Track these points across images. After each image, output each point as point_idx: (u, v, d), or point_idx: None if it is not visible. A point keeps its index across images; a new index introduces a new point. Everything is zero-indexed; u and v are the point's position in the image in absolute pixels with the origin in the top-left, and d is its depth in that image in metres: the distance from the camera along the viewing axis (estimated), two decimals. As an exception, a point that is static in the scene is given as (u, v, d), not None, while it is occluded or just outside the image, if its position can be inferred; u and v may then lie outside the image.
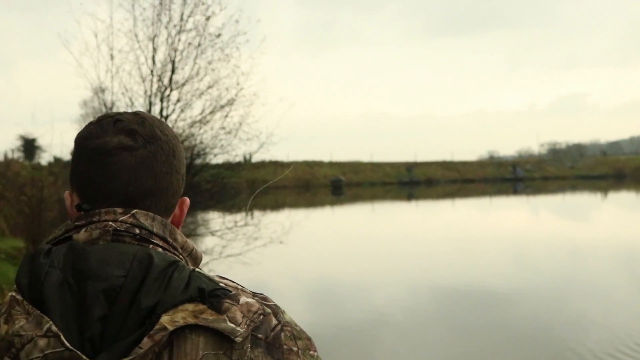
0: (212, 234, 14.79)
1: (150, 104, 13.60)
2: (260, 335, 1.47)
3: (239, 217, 15.89)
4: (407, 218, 53.05)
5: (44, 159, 70.34)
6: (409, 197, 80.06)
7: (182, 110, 13.78)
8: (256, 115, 16.51)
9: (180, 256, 1.60)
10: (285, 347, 1.50)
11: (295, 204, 62.36)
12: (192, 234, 15.15)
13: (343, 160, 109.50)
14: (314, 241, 32.70)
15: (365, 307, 18.86)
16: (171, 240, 1.59)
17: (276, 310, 1.56)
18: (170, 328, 1.36)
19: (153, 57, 13.70)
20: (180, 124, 13.91)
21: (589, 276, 22.35)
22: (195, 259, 1.67)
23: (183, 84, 13.62)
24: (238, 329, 1.42)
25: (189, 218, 16.31)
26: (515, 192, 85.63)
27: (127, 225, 1.53)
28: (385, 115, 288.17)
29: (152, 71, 13.63)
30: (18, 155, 79.41)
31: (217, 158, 14.56)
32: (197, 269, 1.54)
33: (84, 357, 1.32)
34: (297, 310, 18.07)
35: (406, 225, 46.63)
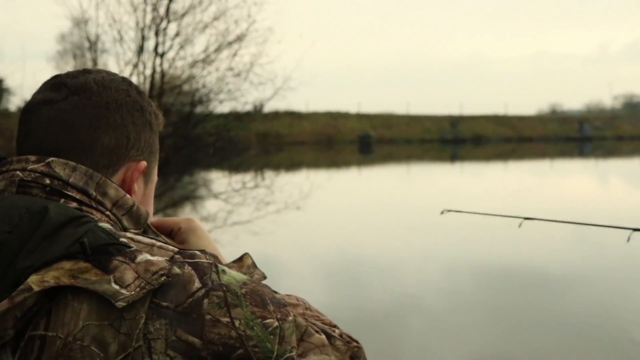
0: (216, 196, 14.70)
1: (143, 38, 13.45)
2: (165, 303, 1.38)
3: (248, 177, 15.82)
4: (449, 184, 52.70)
5: (13, 103, 70.60)
6: (453, 158, 79.51)
7: (181, 47, 13.65)
8: (271, 54, 16.31)
9: (108, 212, 1.58)
10: (207, 317, 1.39)
11: (315, 164, 62.30)
12: (190, 196, 15.13)
13: (373, 112, 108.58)
14: (336, 208, 32.65)
15: (392, 288, 18.92)
16: (95, 194, 1.57)
17: (205, 270, 1.45)
18: (36, 289, 1.33)
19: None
20: (179, 63, 13.79)
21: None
22: (137, 217, 1.66)
23: (183, 15, 13.48)
24: (123, 291, 1.34)
25: (187, 178, 16.26)
26: (581, 154, 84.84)
27: (37, 174, 1.53)
28: (425, 58, 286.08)
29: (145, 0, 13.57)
30: (-18, 99, 79.94)
31: (222, 106, 14.41)
32: (107, 225, 1.49)
33: None
34: (314, 289, 18.25)
35: (447, 193, 46.41)
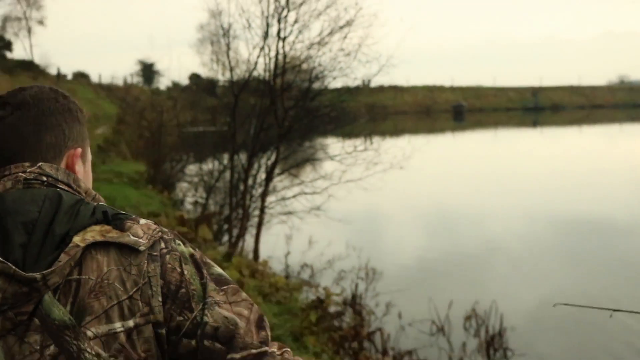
0: (331, 158, 14.72)
1: (268, 25, 13.53)
2: (155, 253, 1.77)
3: (358, 142, 15.82)
4: (531, 146, 52.26)
5: (162, 83, 71.73)
6: (534, 123, 78.79)
7: (299, 32, 13.69)
8: (376, 36, 16.43)
9: (86, 198, 1.89)
10: (169, 265, 1.77)
11: (415, 130, 61.98)
12: (310, 158, 15.13)
13: (465, 85, 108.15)
14: (433, 168, 32.57)
15: (480, 235, 19.06)
16: (75, 186, 1.91)
17: (168, 239, 1.84)
18: (82, 245, 1.67)
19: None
20: (298, 45, 13.84)
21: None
22: (98, 202, 1.94)
23: (301, 4, 13.51)
24: (140, 240, 1.75)
25: (307, 143, 16.26)
26: None
27: (35, 174, 1.84)
28: (509, 38, 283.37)
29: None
30: (137, 80, 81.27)
31: (335, 81, 14.42)
32: (101, 204, 1.87)
33: (10, 265, 1.58)
34: (413, 235, 18.20)
35: (529, 153, 45.96)
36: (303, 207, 14.64)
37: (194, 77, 67.72)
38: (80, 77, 71.37)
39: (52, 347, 1.65)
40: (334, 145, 16.28)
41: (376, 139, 16.44)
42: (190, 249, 1.86)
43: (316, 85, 14.34)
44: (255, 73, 14.22)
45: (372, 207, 20.73)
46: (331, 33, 13.51)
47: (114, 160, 26.28)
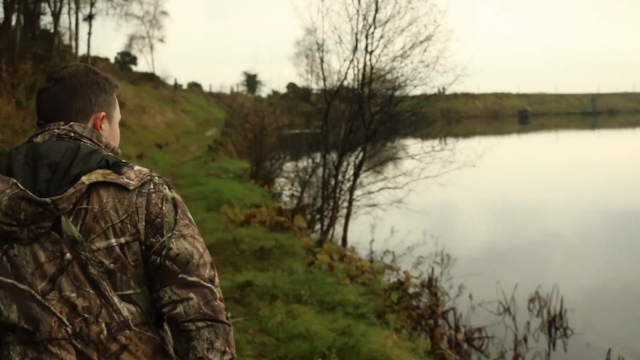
0: (412, 157, 14.64)
1: (357, 40, 13.52)
2: (143, 191, 2.21)
3: (435, 143, 15.78)
4: (589, 146, 51.68)
5: (264, 92, 72.30)
6: (592, 126, 77.66)
7: (385, 46, 13.66)
8: (452, 49, 16.35)
9: (103, 150, 2.33)
10: (152, 201, 2.20)
11: (484, 132, 61.47)
12: (393, 157, 15.04)
13: (529, 92, 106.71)
14: (501, 165, 32.18)
15: (542, 225, 19.01)
16: (96, 141, 2.35)
17: (157, 182, 2.27)
18: (87, 182, 2.12)
19: (359, -1, 13.59)
20: (383, 58, 13.81)
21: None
22: (116, 154, 2.42)
23: (385, 22, 13.49)
24: (131, 182, 2.19)
25: (389, 144, 16.20)
26: None
27: (66, 130, 2.30)
28: (568, 49, 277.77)
29: (357, 11, 13.55)
30: (242, 89, 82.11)
31: (415, 90, 14.36)
32: (110, 154, 2.31)
33: (30, 192, 2.10)
34: (482, 225, 18.01)
35: (587, 152, 45.35)
36: (386, 200, 14.59)
37: (291, 86, 67.97)
38: (194, 86, 72.48)
39: (68, 255, 2.17)
40: (413, 145, 16.28)
41: (450, 140, 16.40)
42: (174, 194, 2.31)
43: (398, 92, 14.30)
44: (345, 82, 14.27)
45: (447, 201, 20.62)
46: (412, 47, 13.46)
47: (222, 158, 26.54)
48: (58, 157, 2.20)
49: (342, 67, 13.86)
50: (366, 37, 13.35)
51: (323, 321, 7.82)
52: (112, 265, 2.18)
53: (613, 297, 12.54)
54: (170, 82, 63.98)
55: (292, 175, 22.79)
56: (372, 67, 13.61)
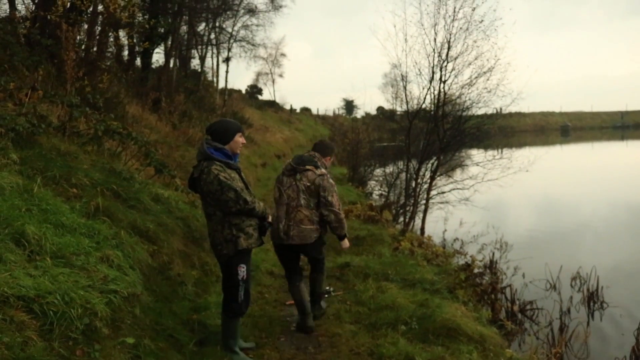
0: (477, 164, 14.24)
1: (433, 72, 13.37)
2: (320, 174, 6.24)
3: (495, 152, 15.44)
4: (619, 153, 50.49)
5: (359, 113, 72.55)
6: (622, 137, 75.60)
7: (455, 76, 13.45)
8: (509, 78, 16.08)
9: (319, 162, 6.33)
10: (318, 183, 6.24)
11: (533, 143, 59.87)
12: (461, 164, 14.68)
13: (569, 110, 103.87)
14: (549, 169, 31.29)
15: (575, 218, 18.64)
16: (316, 160, 6.30)
17: (324, 173, 6.30)
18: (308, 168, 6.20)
19: (434, 39, 13.45)
20: (454, 86, 13.64)
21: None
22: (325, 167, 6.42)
23: (456, 58, 13.26)
24: (317, 171, 6.18)
25: (458, 154, 15.84)
26: None
27: (310, 154, 6.35)
28: (602, 75, 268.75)
29: (433, 49, 13.38)
30: (342, 111, 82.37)
31: (479, 110, 14.02)
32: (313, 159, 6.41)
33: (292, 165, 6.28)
34: (530, 216, 17.59)
35: (617, 157, 44.17)
36: (455, 198, 14.24)
37: (380, 109, 68.20)
38: (305, 110, 73.18)
39: (296, 184, 6.27)
40: (477, 155, 15.94)
41: (506, 150, 16.03)
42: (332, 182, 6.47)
43: (466, 113, 13.95)
44: (423, 105, 14.03)
45: (506, 198, 20.15)
46: (477, 77, 13.17)
47: (327, 166, 26.59)
48: (300, 162, 6.26)
49: (421, 94, 13.72)
50: (440, 70, 13.18)
51: (406, 295, 7.63)
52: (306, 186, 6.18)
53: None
54: (287, 107, 64.83)
55: (380, 179, 22.75)
56: (445, 93, 13.40)
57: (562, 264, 11.45)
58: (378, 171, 24.85)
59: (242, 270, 5.34)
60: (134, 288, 5.33)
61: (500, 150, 15.80)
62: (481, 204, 14.03)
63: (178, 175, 10.43)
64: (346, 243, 6.75)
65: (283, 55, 67.22)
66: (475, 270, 9.64)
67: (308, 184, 6.26)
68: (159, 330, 5.54)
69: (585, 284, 10.98)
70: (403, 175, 18.13)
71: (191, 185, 5.46)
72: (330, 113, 79.41)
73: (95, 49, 12.57)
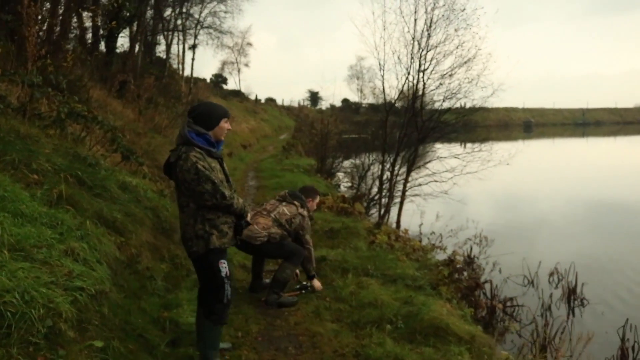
0: (456, 157, 13.85)
1: (412, 61, 12.87)
2: None
3: (467, 146, 15.30)
4: (578, 150, 51.69)
5: (323, 105, 72.33)
6: (582, 134, 77.86)
7: (435, 66, 12.94)
8: (491, 68, 15.55)
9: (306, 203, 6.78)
10: None
11: (497, 138, 60.25)
12: (439, 156, 14.27)
13: (532, 107, 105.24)
14: (515, 164, 31.41)
15: (534, 211, 18.93)
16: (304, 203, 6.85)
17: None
18: None
19: (414, 27, 12.91)
20: (434, 75, 13.08)
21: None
22: None
23: (436, 46, 12.78)
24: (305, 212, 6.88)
25: (437, 145, 15.48)
26: None
27: (299, 194, 6.88)
28: (564, 73, 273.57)
29: (413, 37, 12.86)
30: (307, 103, 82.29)
31: (459, 101, 13.60)
32: None
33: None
34: (500, 212, 17.54)
35: (577, 154, 44.98)
36: (432, 191, 13.80)
37: (345, 101, 68.07)
38: (270, 101, 72.96)
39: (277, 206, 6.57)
40: (442, 148, 15.60)
41: (470, 145, 15.69)
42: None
43: (446, 104, 13.56)
44: (401, 95, 13.54)
45: (477, 193, 19.95)
46: (458, 66, 12.74)
47: (294, 157, 26.23)
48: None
49: (399, 83, 13.19)
50: (419, 58, 12.71)
51: (387, 292, 7.26)
52: None
53: (619, 272, 11.77)
54: (252, 97, 64.49)
55: (348, 170, 22.46)
56: (424, 83, 12.96)
57: (537, 258, 11.34)
58: (346, 163, 24.60)
59: (224, 266, 4.76)
60: (102, 284, 4.84)
61: (463, 145, 15.50)
62: (457, 197, 13.69)
63: (145, 163, 9.90)
64: (317, 283, 7.33)
65: (249, 44, 66.58)
66: (457, 266, 9.30)
67: (288, 213, 6.93)
68: (128, 331, 5.06)
69: (562, 280, 10.79)
70: (374, 167, 17.83)
71: (166, 170, 4.85)
72: (295, 104, 79.10)
73: (58, 28, 11.90)
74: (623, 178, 27.39)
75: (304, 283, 7.35)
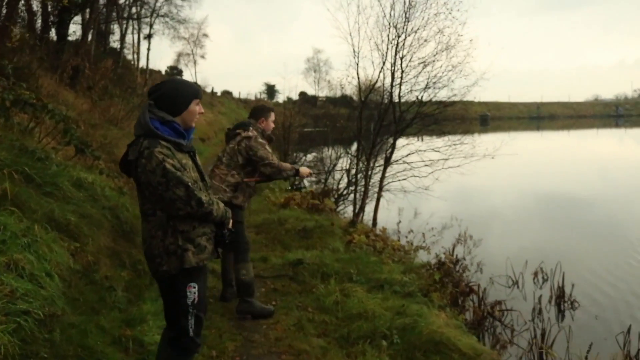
0: (436, 150, 13.15)
1: (389, 46, 12.05)
2: None
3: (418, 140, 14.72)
4: (533, 143, 52.84)
5: (280, 98, 71.63)
6: (537, 127, 78.97)
7: (414, 53, 12.15)
8: (474, 55, 14.68)
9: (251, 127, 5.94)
10: None
11: (454, 132, 60.40)
12: (418, 150, 13.53)
13: (489, 100, 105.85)
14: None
15: (487, 205, 18.87)
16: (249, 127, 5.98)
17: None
18: None
19: (391, 11, 12.11)
20: (412, 63, 12.26)
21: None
22: None
23: (415, 32, 11.96)
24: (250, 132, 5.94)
25: (417, 138, 14.71)
26: (616, 125, 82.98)
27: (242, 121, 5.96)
28: (519, 68, 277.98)
29: (389, 22, 12.04)
30: (263, 96, 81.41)
31: (439, 92, 12.85)
32: None
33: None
34: (451, 198, 17.16)
35: (531, 148, 45.55)
36: (412, 187, 13.04)
37: (302, 94, 67.37)
38: (227, 94, 72.12)
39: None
40: (438, 140, 14.86)
41: (427, 139, 15.06)
42: None
43: (425, 95, 12.78)
44: (378, 84, 12.69)
45: (451, 188, 19.55)
46: (437, 53, 12.00)
47: (254, 151, 25.44)
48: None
49: (374, 72, 12.33)
50: (397, 45, 11.91)
51: (375, 300, 6.55)
52: None
53: (606, 272, 11.24)
54: (209, 89, 63.61)
55: (312, 164, 21.67)
56: (402, 71, 12.15)
57: (517, 256, 10.80)
58: (309, 156, 23.91)
59: (193, 292, 3.73)
60: (53, 305, 3.99)
61: (421, 139, 14.78)
62: (436, 193, 13.02)
63: (102, 157, 8.98)
64: (303, 169, 6.36)
65: (205, 35, 65.23)
66: (448, 269, 8.59)
67: (236, 146, 6.10)
68: (84, 357, 4.22)
69: (547, 281, 10.23)
70: (342, 161, 17.11)
71: (124, 168, 3.78)
72: (252, 97, 78.08)
73: (4, 10, 10.86)
74: (582, 173, 27.53)
75: (296, 183, 6.66)
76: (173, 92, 3.70)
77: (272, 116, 6.47)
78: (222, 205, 3.87)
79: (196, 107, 3.79)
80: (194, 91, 3.81)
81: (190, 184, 3.57)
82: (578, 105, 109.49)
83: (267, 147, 6.15)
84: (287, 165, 6.19)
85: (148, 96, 3.79)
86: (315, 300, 6.59)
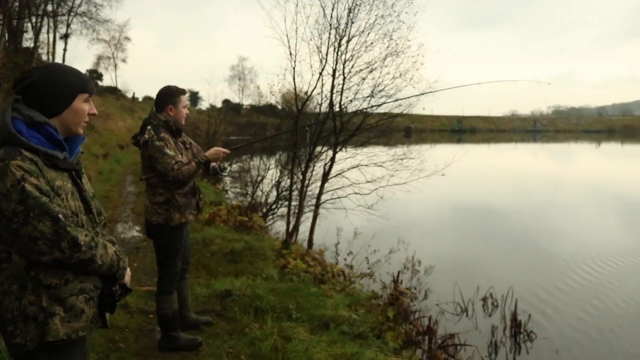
0: (380, 165, 12.16)
1: (329, 50, 10.97)
2: None
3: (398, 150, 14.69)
4: (454, 156, 53.25)
5: (203, 105, 70.11)
6: (458, 140, 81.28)
7: (357, 58, 11.12)
8: (424, 61, 13.80)
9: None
10: None
11: (377, 143, 60.64)
12: (359, 164, 12.48)
13: (412, 113, 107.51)
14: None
15: (405, 215, 18.14)
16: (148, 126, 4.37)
17: None
18: None
19: (332, 11, 11.01)
20: (355, 69, 11.23)
21: (570, 203, 22.32)
22: None
23: (360, 34, 10.95)
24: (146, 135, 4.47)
25: (357, 150, 13.64)
26: (534, 139, 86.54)
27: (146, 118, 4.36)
28: (440, 82, 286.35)
29: (330, 24, 10.95)
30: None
31: (388, 99, 11.86)
32: None
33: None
34: (420, 228, 16.23)
35: (453, 160, 45.83)
36: (351, 204, 11.96)
37: (226, 102, 66.01)
38: (148, 99, 70.96)
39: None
40: (381, 152, 13.94)
41: (352, 150, 14.29)
42: None
43: (372, 101, 11.76)
44: (316, 91, 11.51)
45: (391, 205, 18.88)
46: (385, 58, 11.04)
47: (176, 159, 24.16)
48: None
49: (314, 76, 11.17)
50: (338, 48, 10.85)
51: (321, 344, 5.42)
52: None
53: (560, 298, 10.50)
54: (130, 95, 61.87)
55: (236, 175, 20.37)
56: (344, 77, 11.07)
57: (476, 284, 9.90)
58: (234, 167, 22.67)
59: None
60: None
61: (345, 149, 13.91)
62: (378, 212, 12.04)
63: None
64: (213, 153, 5.00)
65: (127, 39, 63.13)
66: (403, 304, 7.56)
67: (144, 157, 4.88)
68: None
69: (497, 308, 9.38)
70: (270, 172, 15.99)
71: None
72: (175, 105, 76.38)
73: None
74: (487, 182, 28.92)
75: (210, 173, 5.12)
76: (47, 83, 2.51)
77: (184, 100, 5.04)
78: (112, 249, 2.61)
79: (84, 106, 2.60)
80: (80, 82, 2.60)
81: (61, 216, 2.37)
82: (498, 120, 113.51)
83: (168, 148, 4.76)
84: (191, 166, 4.82)
85: (13, 88, 2.55)
86: (249, 345, 5.42)
